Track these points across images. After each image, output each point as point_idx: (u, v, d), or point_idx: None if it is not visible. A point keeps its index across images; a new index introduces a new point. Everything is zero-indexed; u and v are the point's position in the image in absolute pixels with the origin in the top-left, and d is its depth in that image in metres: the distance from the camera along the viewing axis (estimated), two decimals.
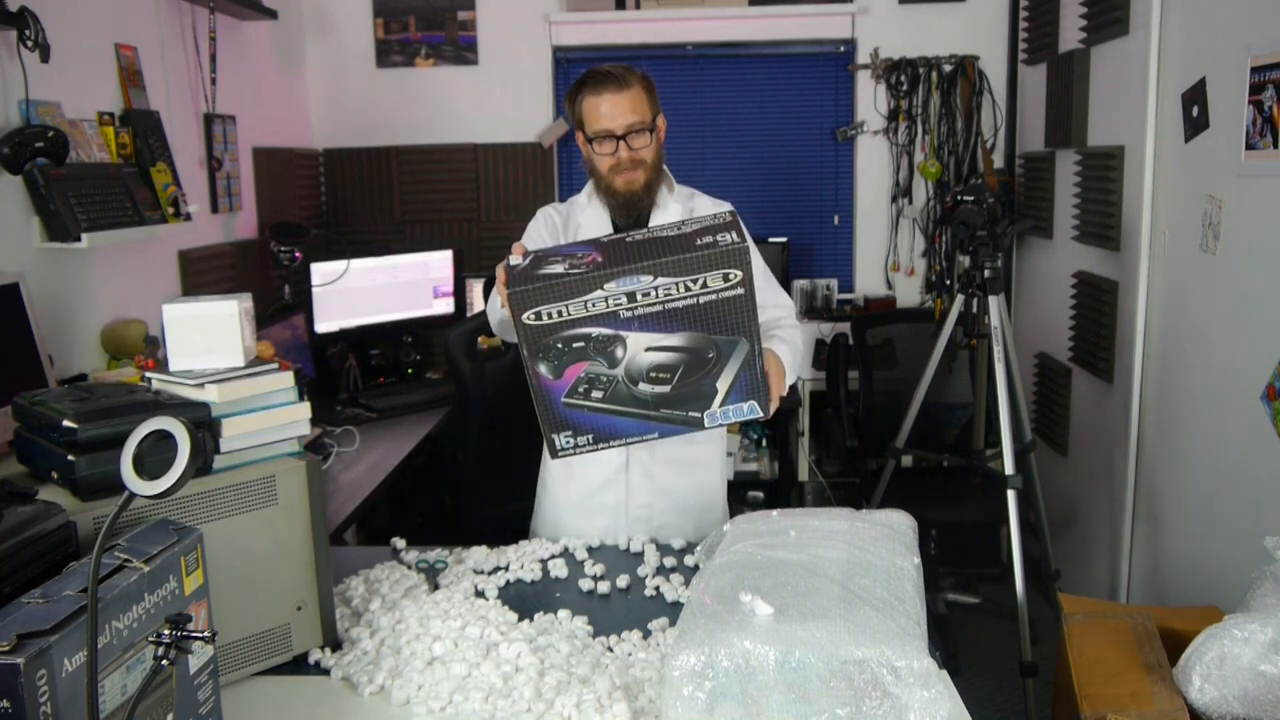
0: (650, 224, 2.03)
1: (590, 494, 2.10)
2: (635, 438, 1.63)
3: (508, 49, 4.12)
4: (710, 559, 1.52)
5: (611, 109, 1.92)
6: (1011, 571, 2.72)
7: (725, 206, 2.11)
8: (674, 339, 1.59)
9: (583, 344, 1.57)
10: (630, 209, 2.00)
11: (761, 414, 1.63)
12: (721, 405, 1.62)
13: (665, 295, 1.56)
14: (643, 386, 1.59)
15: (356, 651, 1.49)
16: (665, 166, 2.06)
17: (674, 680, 1.21)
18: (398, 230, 4.22)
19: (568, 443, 1.62)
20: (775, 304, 2.09)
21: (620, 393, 1.60)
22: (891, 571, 1.37)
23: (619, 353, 1.59)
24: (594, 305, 1.55)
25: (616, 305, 1.56)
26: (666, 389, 1.60)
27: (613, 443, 1.63)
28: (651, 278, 1.55)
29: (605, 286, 1.55)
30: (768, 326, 2.02)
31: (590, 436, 1.62)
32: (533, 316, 1.56)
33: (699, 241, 1.56)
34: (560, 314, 1.55)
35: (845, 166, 4.20)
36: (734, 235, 1.56)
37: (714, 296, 1.56)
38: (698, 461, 2.13)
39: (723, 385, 1.61)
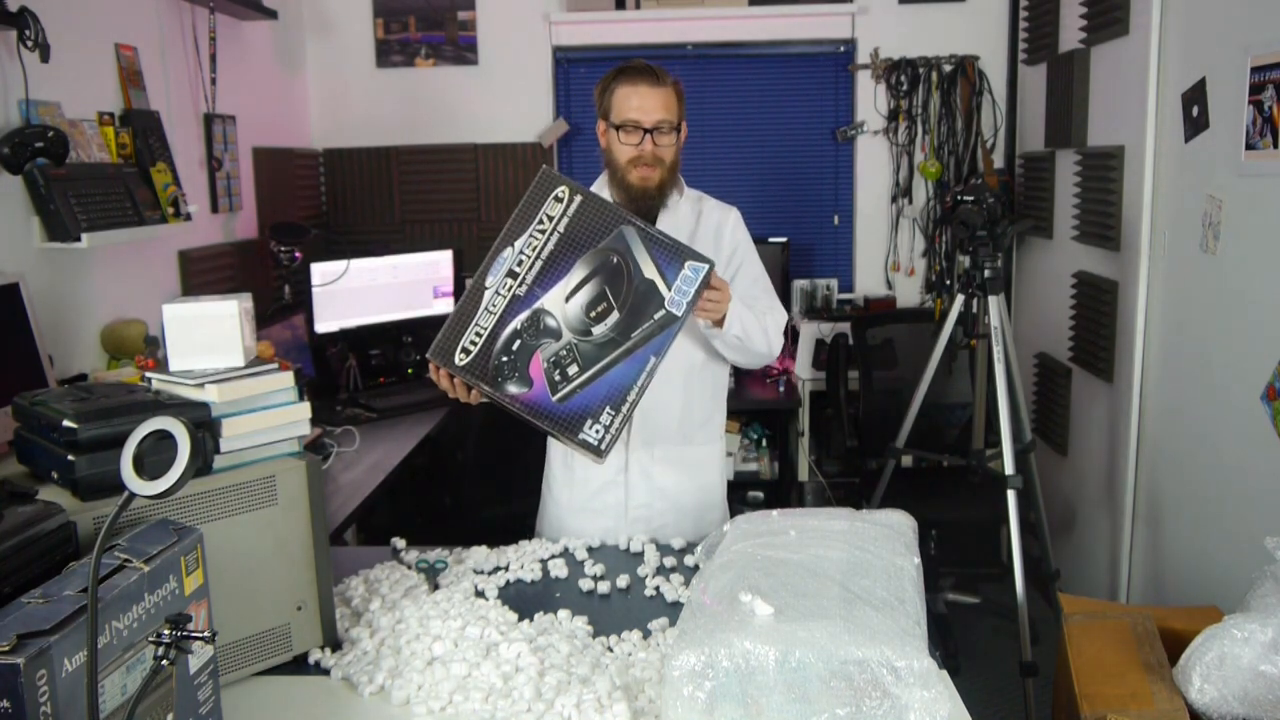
0: (658, 223, 2.03)
1: (591, 496, 2.11)
2: (640, 377, 1.60)
3: (508, 49, 4.12)
4: (710, 559, 1.52)
5: (643, 102, 1.93)
6: (1011, 571, 2.72)
7: (732, 210, 2.12)
8: (575, 274, 1.63)
9: (518, 340, 1.61)
10: (639, 206, 1.99)
11: (705, 265, 1.63)
12: (669, 287, 1.62)
13: (533, 251, 1.64)
14: (597, 330, 1.61)
15: (356, 651, 1.49)
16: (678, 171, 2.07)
17: (674, 680, 1.21)
18: (398, 230, 4.22)
19: (597, 432, 1.58)
20: (767, 312, 2.08)
21: (587, 351, 1.60)
22: (891, 571, 1.37)
23: (550, 321, 1.62)
24: (493, 306, 1.62)
25: (508, 290, 1.63)
26: (615, 315, 1.61)
27: (629, 398, 1.60)
28: (508, 248, 1.64)
29: (486, 284, 1.63)
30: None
31: (607, 409, 1.59)
32: (462, 355, 1.61)
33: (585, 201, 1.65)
34: (478, 335, 1.62)
35: (845, 166, 4.20)
36: (541, 172, 1.65)
37: (565, 219, 1.65)
38: (697, 462, 2.13)
39: (651, 272, 1.63)
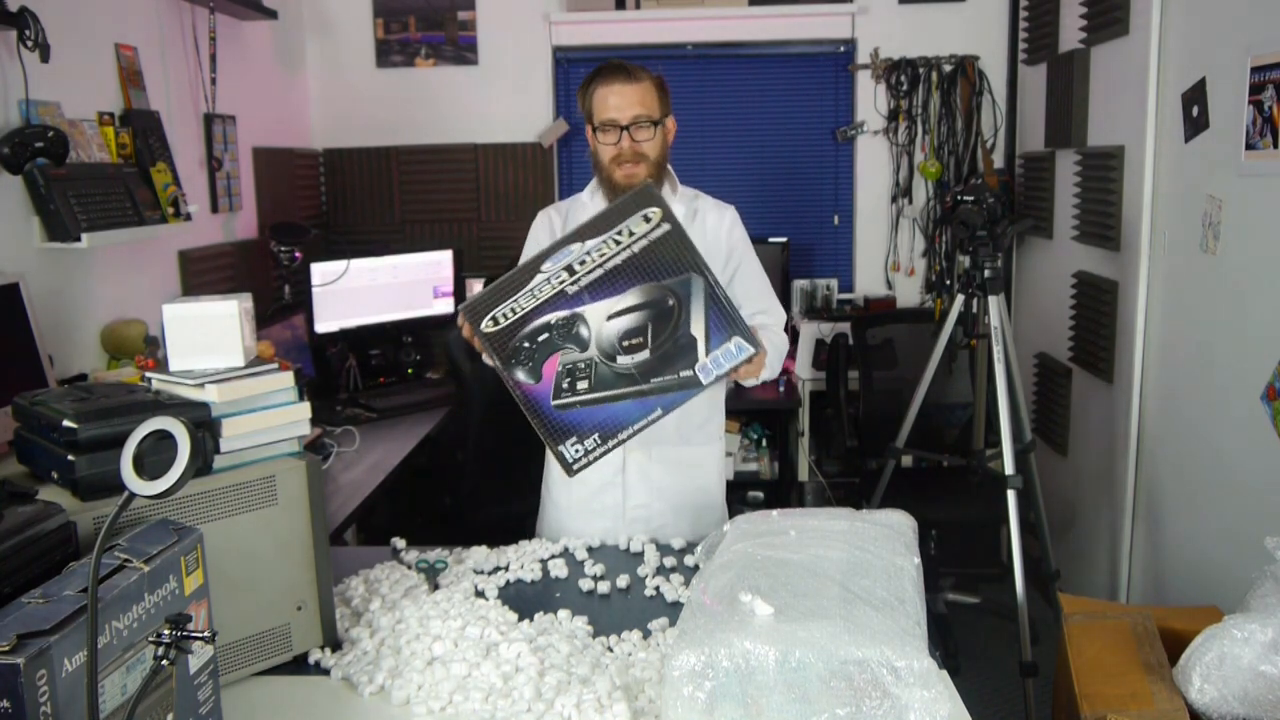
0: None
1: (589, 496, 2.11)
2: (640, 422, 1.59)
3: (508, 49, 4.12)
4: (710, 559, 1.52)
5: (619, 100, 1.94)
6: (1011, 571, 2.72)
7: (729, 209, 2.12)
8: (629, 298, 1.59)
9: (546, 334, 1.58)
10: None
11: (751, 349, 1.59)
12: (708, 352, 1.59)
13: (600, 256, 1.58)
14: (621, 360, 1.58)
15: (356, 651, 1.49)
16: (670, 168, 2.06)
17: (674, 680, 1.21)
18: (398, 230, 4.22)
19: (577, 451, 1.59)
20: (764, 311, 2.08)
21: (604, 375, 1.58)
22: (891, 571, 1.37)
23: (583, 331, 1.59)
24: (540, 291, 1.58)
25: (560, 283, 1.58)
26: (645, 354, 1.58)
27: (620, 435, 1.59)
28: (580, 244, 1.59)
29: (543, 268, 1.59)
30: (757, 329, 2.01)
31: (596, 436, 1.59)
32: (490, 324, 1.59)
33: (612, 202, 1.61)
34: (513, 311, 1.58)
35: (845, 166, 4.20)
36: (643, 185, 1.61)
37: (645, 241, 1.59)
38: (695, 462, 2.13)
39: (698, 330, 1.59)
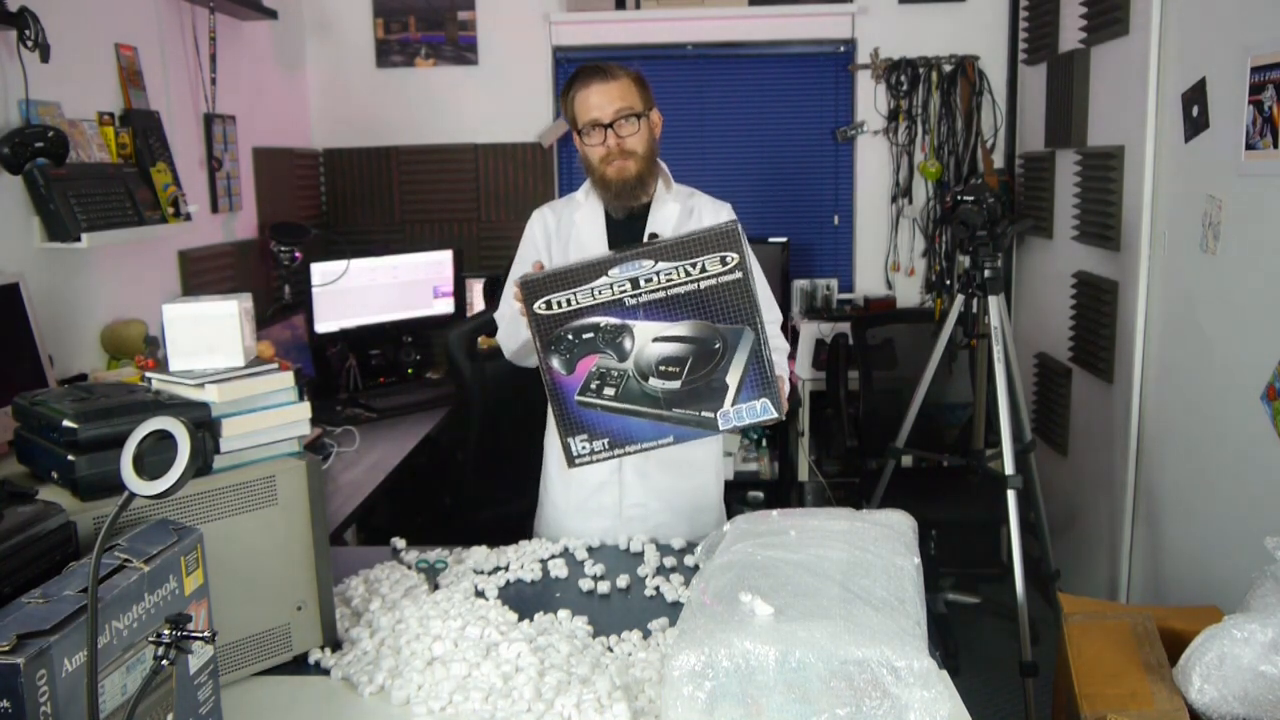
0: (648, 222, 2.04)
1: (587, 496, 2.11)
2: (650, 443, 1.65)
3: (508, 49, 4.12)
4: (710, 559, 1.52)
5: (598, 99, 1.94)
6: (1011, 571, 2.72)
7: (725, 206, 2.12)
8: (679, 328, 1.62)
9: (592, 334, 1.62)
10: (623, 199, 2.00)
11: (775, 414, 1.64)
12: (734, 403, 1.63)
13: (667, 280, 1.61)
14: (653, 382, 1.62)
15: (356, 651, 1.49)
16: (663, 165, 2.06)
17: (674, 680, 1.21)
18: (398, 230, 4.22)
19: (583, 448, 1.64)
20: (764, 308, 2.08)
21: (632, 389, 1.62)
22: (891, 571, 1.37)
23: (627, 344, 1.62)
24: (600, 292, 1.61)
25: (621, 292, 1.61)
26: (677, 384, 1.62)
27: (628, 448, 1.65)
28: (653, 262, 1.61)
29: (610, 273, 1.61)
30: None
31: (605, 441, 1.65)
32: (544, 306, 1.61)
33: (695, 230, 1.63)
34: (569, 302, 1.61)
35: (845, 166, 4.20)
36: (729, 226, 1.62)
37: (713, 281, 1.61)
38: (692, 462, 2.13)
39: (732, 380, 1.63)
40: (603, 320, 1.62)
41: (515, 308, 1.71)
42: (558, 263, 2.01)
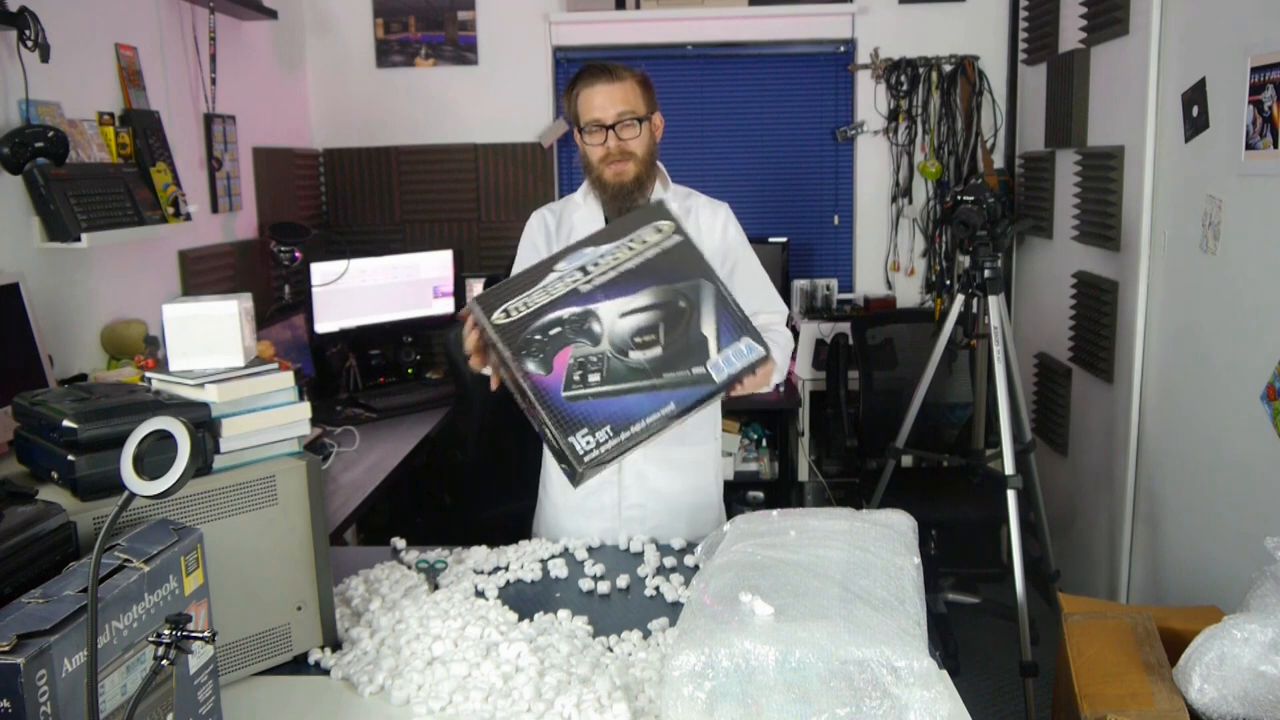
0: None
1: (585, 496, 2.10)
2: (652, 416, 1.57)
3: (508, 49, 4.12)
4: (710, 559, 1.52)
5: (603, 100, 1.94)
6: (1011, 571, 2.72)
7: (723, 206, 2.12)
8: (641, 298, 1.62)
9: (559, 329, 1.59)
10: (619, 201, 2.00)
11: (761, 350, 1.62)
12: (719, 350, 1.61)
13: (614, 260, 1.64)
14: (634, 355, 1.59)
15: (356, 651, 1.49)
16: (661, 165, 2.07)
17: (674, 680, 1.21)
18: (398, 230, 4.22)
19: (588, 443, 1.53)
20: (768, 309, 2.09)
21: (616, 369, 1.58)
22: (891, 571, 1.37)
23: (596, 327, 1.60)
24: (553, 288, 1.61)
25: (574, 281, 1.61)
26: (658, 350, 1.59)
27: (633, 428, 1.56)
28: (594, 248, 1.65)
29: (556, 268, 1.63)
30: (762, 330, 2.02)
31: (608, 428, 1.55)
32: (503, 315, 1.59)
33: (620, 213, 1.68)
34: (526, 305, 1.59)
35: (845, 166, 4.20)
36: (655, 202, 1.68)
37: (657, 249, 1.66)
38: (691, 463, 2.13)
39: (709, 331, 1.62)
40: (564, 312, 1.60)
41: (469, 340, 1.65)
42: None
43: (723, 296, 1.64)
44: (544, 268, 1.62)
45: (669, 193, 2.07)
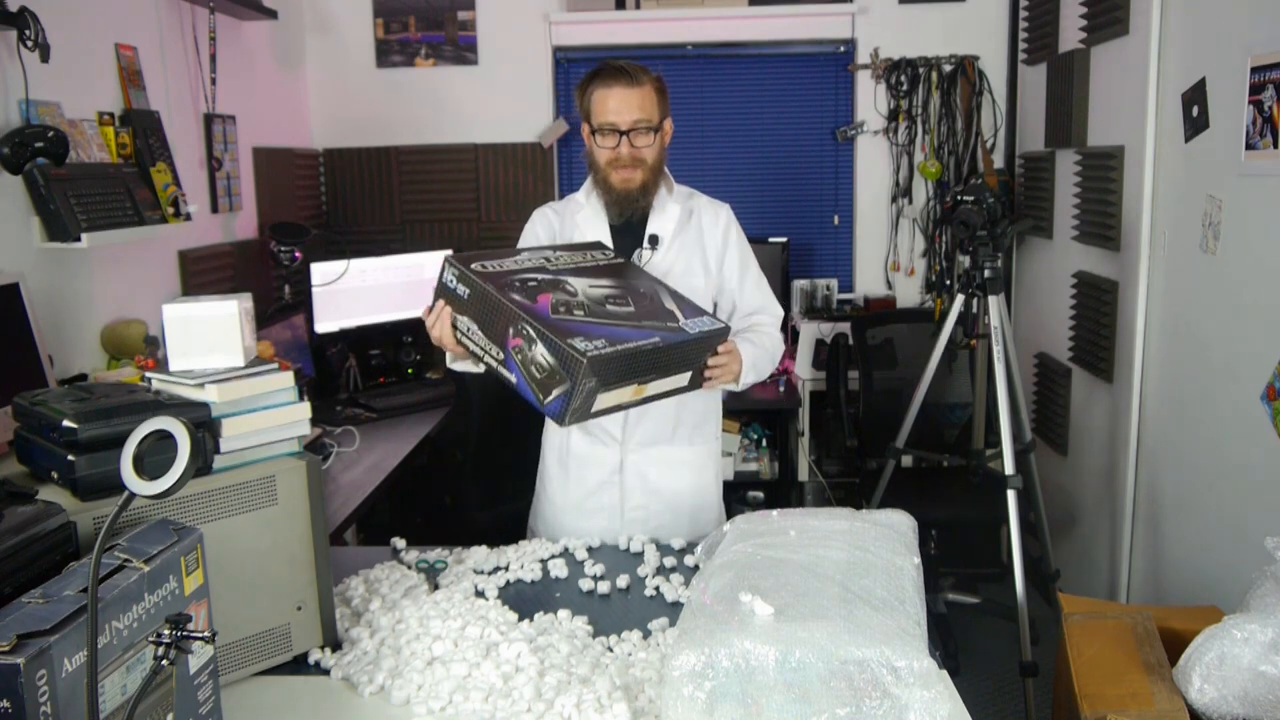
0: (648, 225, 2.04)
1: (586, 495, 2.11)
2: (643, 342, 1.62)
3: (508, 49, 4.12)
4: (710, 559, 1.52)
5: (619, 104, 1.93)
6: (1011, 571, 2.72)
7: (724, 207, 2.12)
8: (604, 280, 1.78)
9: (536, 281, 1.69)
10: (624, 207, 2.00)
11: (722, 324, 1.80)
12: (684, 320, 1.76)
13: (570, 261, 1.81)
14: (610, 308, 1.70)
15: (356, 651, 1.49)
16: (665, 168, 2.06)
17: (674, 680, 1.21)
18: (398, 230, 4.22)
19: (586, 346, 1.53)
20: (762, 310, 2.09)
21: (597, 310, 1.67)
22: (891, 571, 1.37)
23: (570, 286, 1.71)
24: (522, 261, 1.75)
25: (541, 261, 1.77)
26: (631, 308, 1.71)
27: (627, 345, 1.58)
28: (553, 251, 1.84)
29: (517, 260, 1.76)
30: (748, 329, 2.04)
31: (602, 340, 1.56)
32: (480, 266, 1.69)
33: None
34: (499, 265, 1.71)
35: (845, 166, 4.20)
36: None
37: (604, 260, 1.86)
38: (692, 462, 2.13)
39: (671, 306, 1.78)
40: (538, 276, 1.71)
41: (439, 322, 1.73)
42: None
43: (676, 292, 1.83)
44: (508, 252, 1.77)
45: (673, 194, 2.07)
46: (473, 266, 1.67)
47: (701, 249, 2.06)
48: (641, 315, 1.69)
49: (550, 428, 2.17)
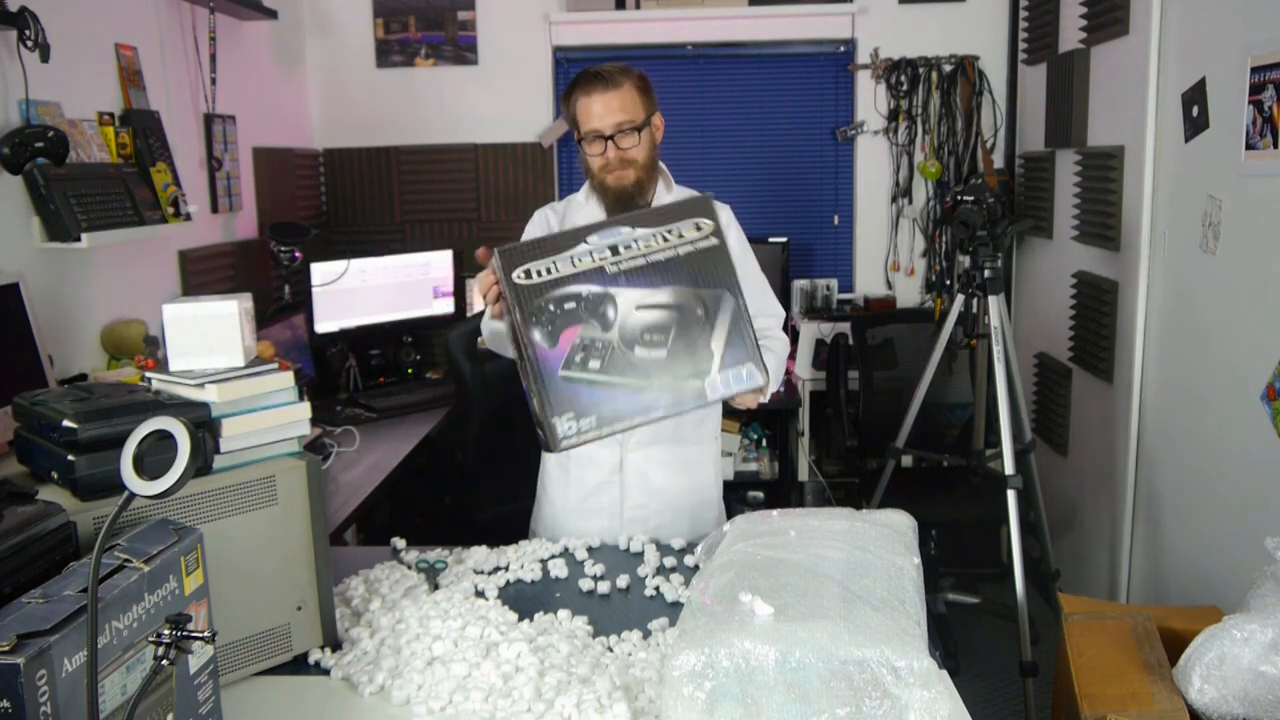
0: None
1: (586, 496, 2.10)
2: (638, 418, 1.57)
3: (508, 49, 4.12)
4: (710, 559, 1.52)
5: (600, 109, 1.93)
6: (1011, 571, 2.72)
7: (725, 208, 2.12)
8: (662, 295, 1.60)
9: (574, 304, 1.57)
10: (623, 205, 2.00)
11: (760, 381, 1.61)
12: (720, 370, 1.60)
13: (646, 248, 1.61)
14: (639, 351, 1.58)
15: (356, 651, 1.49)
16: (664, 167, 2.06)
17: (674, 680, 1.21)
18: (398, 230, 4.22)
19: (570, 428, 1.53)
20: (764, 312, 2.08)
21: (618, 360, 1.57)
22: (891, 571, 1.37)
23: (610, 313, 1.58)
24: (580, 260, 1.58)
25: (601, 259, 1.58)
26: (663, 353, 1.58)
27: (616, 426, 1.56)
28: (630, 229, 1.60)
29: (589, 240, 1.59)
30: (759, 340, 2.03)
31: (593, 419, 1.55)
32: (523, 275, 1.56)
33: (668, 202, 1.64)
34: (549, 270, 1.56)
35: (845, 166, 4.20)
36: (704, 197, 1.64)
37: (691, 247, 1.62)
38: (692, 462, 2.13)
39: (717, 347, 1.61)
40: (585, 289, 1.57)
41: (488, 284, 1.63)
42: None
43: (740, 312, 1.62)
44: (576, 236, 1.59)
45: (671, 194, 2.07)
46: (515, 275, 1.56)
47: None
48: (669, 365, 1.58)
49: None
